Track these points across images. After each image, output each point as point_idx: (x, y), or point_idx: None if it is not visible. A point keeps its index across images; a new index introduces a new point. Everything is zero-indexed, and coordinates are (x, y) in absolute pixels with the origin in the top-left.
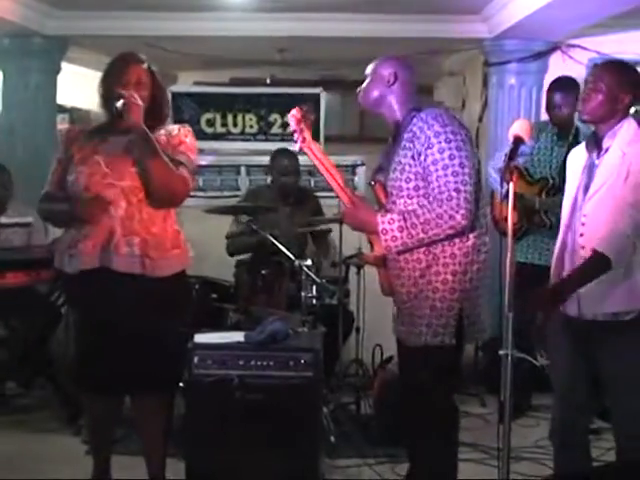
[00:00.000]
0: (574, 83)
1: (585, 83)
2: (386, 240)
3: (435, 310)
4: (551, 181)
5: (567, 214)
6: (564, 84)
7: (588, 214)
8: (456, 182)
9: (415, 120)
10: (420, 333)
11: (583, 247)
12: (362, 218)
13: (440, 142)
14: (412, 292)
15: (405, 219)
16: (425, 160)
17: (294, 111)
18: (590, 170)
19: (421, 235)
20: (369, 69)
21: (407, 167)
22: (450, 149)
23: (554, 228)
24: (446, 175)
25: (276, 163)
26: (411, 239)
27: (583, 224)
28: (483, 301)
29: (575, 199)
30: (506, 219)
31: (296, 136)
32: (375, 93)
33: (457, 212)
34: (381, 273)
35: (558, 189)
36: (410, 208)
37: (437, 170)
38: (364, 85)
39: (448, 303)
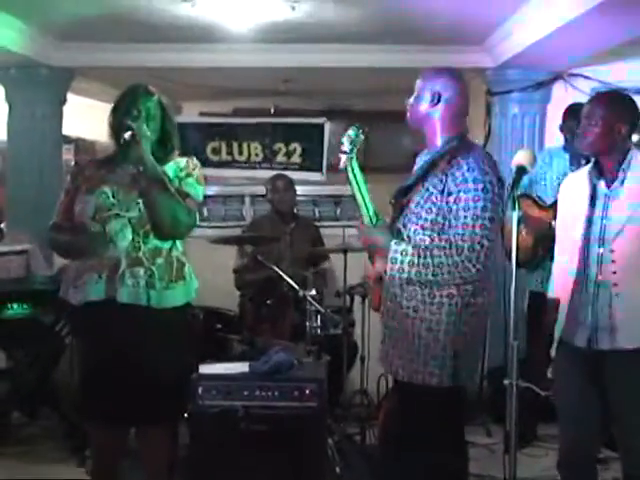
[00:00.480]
0: None
1: (582, 118)
2: (392, 269)
3: (429, 349)
4: None
5: (580, 242)
6: (577, 111)
7: (619, 251)
8: (482, 236)
9: (457, 153)
10: (417, 371)
11: (616, 285)
12: (375, 237)
13: (477, 190)
14: (404, 323)
15: (419, 255)
16: (455, 202)
17: (350, 130)
18: (597, 200)
19: (430, 277)
20: (418, 80)
21: (433, 198)
22: (485, 200)
23: None
24: (474, 227)
25: (272, 185)
26: (418, 277)
27: (614, 261)
28: (478, 349)
29: (587, 231)
30: (517, 248)
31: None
32: (419, 110)
33: (474, 265)
34: (376, 290)
35: None
36: (418, 237)
37: (466, 217)
38: (411, 100)
39: (442, 344)
